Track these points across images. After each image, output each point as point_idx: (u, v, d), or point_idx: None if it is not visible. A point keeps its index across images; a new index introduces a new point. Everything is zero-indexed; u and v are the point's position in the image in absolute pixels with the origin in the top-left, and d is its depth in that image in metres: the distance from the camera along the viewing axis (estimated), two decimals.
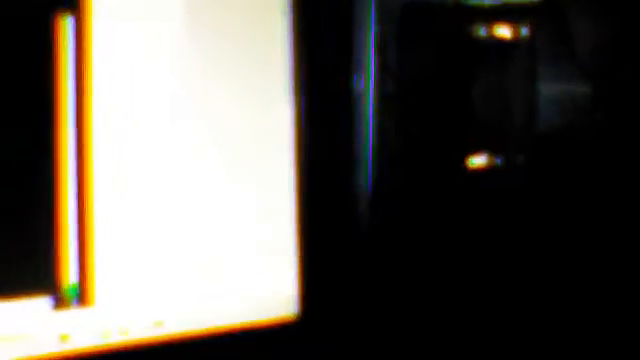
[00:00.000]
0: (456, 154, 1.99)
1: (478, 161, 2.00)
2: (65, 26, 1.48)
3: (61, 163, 1.46)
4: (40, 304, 1.42)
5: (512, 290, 1.99)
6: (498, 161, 2.00)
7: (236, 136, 1.66)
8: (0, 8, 1.44)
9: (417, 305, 1.95)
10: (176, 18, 1.61)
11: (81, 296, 1.46)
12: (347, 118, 1.87)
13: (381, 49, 1.89)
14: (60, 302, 1.44)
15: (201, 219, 1.61)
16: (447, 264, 1.97)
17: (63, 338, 1.45)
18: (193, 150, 1.60)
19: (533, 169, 2.00)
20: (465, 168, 2.00)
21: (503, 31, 1.99)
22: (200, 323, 1.59)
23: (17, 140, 1.44)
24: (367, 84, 1.87)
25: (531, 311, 2.00)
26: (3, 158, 1.43)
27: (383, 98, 1.91)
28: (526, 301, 1.99)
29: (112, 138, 1.50)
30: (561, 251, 2.02)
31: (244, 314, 1.65)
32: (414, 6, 1.94)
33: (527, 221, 2.00)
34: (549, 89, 2.05)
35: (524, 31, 1.99)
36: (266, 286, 1.68)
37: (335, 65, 1.83)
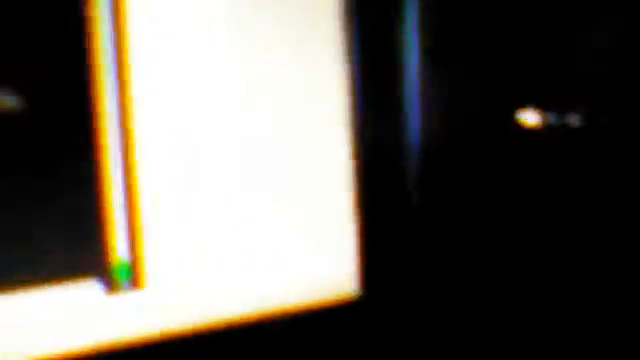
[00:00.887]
0: (506, 110, 1.92)
1: (529, 118, 1.93)
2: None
3: (104, 137, 1.42)
4: (91, 288, 1.37)
5: (566, 260, 1.95)
6: (551, 119, 1.93)
7: (291, 112, 1.64)
8: None
9: (469, 275, 1.91)
10: None
11: (133, 278, 1.41)
12: (395, 77, 1.81)
13: None
14: (111, 286, 1.39)
15: (256, 198, 1.57)
16: (501, 234, 1.92)
17: (114, 323, 1.40)
18: (246, 126, 1.56)
19: (592, 129, 1.93)
20: (515, 126, 1.93)
21: None
22: (257, 305, 1.55)
23: (60, 115, 1.40)
24: (410, 37, 1.80)
25: (590, 282, 1.96)
26: (51, 132, 1.40)
27: (428, 51, 1.84)
28: (586, 272, 1.95)
29: (157, 112, 1.45)
30: (619, 221, 1.97)
31: (304, 295, 1.62)
32: None
33: (584, 186, 1.94)
34: (611, 41, 1.98)
35: None
36: (325, 266, 1.65)
37: (381, 19, 1.77)
